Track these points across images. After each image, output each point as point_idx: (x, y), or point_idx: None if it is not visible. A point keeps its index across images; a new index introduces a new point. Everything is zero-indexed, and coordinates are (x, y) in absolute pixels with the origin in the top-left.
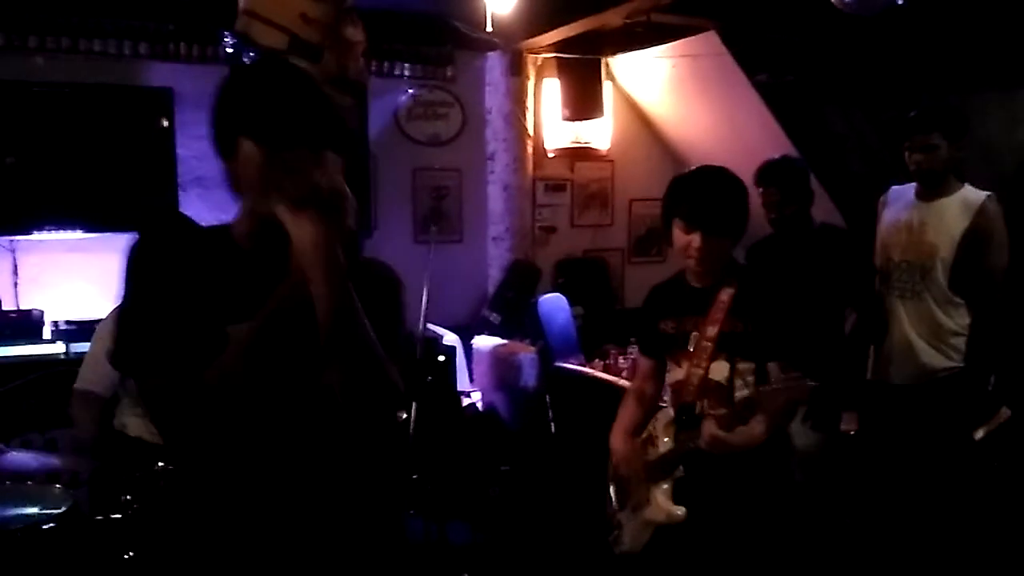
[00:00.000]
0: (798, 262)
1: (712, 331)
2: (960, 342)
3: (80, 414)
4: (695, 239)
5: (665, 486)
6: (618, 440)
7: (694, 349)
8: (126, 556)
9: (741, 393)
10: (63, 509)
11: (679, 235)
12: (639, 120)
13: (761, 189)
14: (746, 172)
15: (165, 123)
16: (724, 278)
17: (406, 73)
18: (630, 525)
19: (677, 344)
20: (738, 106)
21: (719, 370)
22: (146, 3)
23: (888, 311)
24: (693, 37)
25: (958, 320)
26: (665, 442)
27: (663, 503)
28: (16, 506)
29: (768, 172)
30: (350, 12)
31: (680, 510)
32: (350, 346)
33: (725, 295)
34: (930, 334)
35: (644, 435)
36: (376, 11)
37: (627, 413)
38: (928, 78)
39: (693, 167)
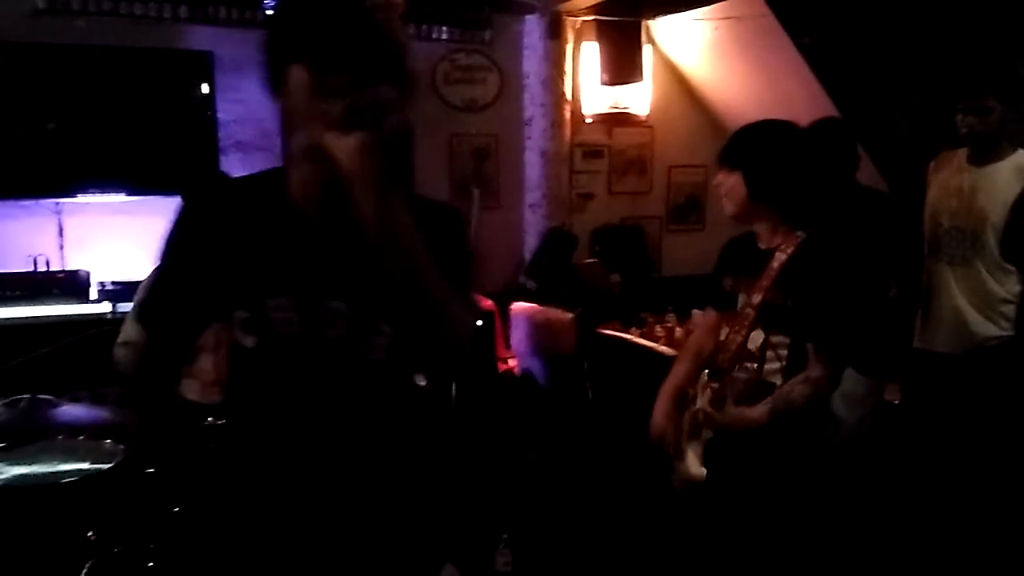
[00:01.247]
0: (841, 225)
1: (756, 298)
2: (1010, 310)
3: (123, 361)
4: (723, 179)
5: (697, 445)
6: (661, 404)
7: (738, 313)
8: (175, 509)
9: (771, 365)
10: (113, 463)
11: (720, 176)
12: (679, 84)
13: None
14: None
15: (205, 87)
16: (783, 243)
17: (443, 36)
18: (677, 471)
19: (729, 304)
20: (781, 69)
21: (755, 339)
22: None
23: (936, 278)
24: None
25: (1009, 288)
26: (699, 402)
27: (691, 461)
28: (68, 459)
29: (811, 135)
30: None
31: (702, 471)
32: (408, 279)
33: (776, 262)
34: (980, 302)
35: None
36: None
37: (680, 371)
38: (979, 39)
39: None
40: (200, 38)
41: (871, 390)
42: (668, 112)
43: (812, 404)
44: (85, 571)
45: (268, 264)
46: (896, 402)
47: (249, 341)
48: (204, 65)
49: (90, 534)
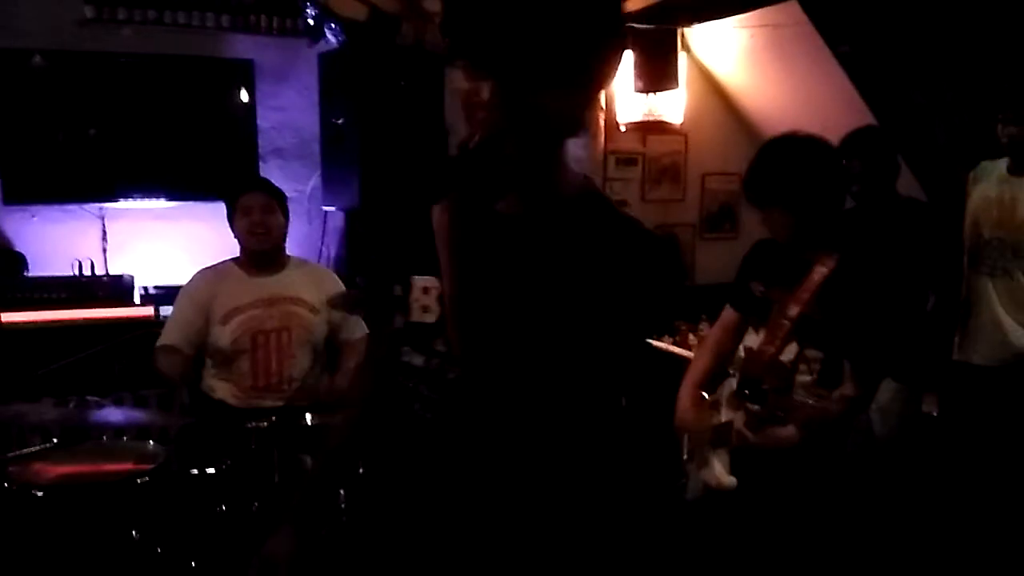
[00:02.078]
0: (882, 238)
1: (794, 311)
2: None
3: (164, 363)
4: (764, 216)
5: (723, 453)
6: (685, 394)
7: (772, 323)
8: (218, 510)
9: (803, 378)
10: (156, 464)
11: (761, 215)
12: (714, 92)
13: (844, 162)
14: None
15: (246, 95)
16: (821, 251)
17: None
18: (694, 478)
19: (760, 310)
20: (819, 77)
21: (789, 351)
22: None
23: (976, 289)
24: (773, 6)
25: None
26: (726, 411)
27: (717, 469)
28: (111, 460)
29: (850, 143)
30: None
31: (731, 480)
32: None
33: (817, 275)
34: (1020, 313)
35: (712, 398)
36: None
37: (700, 365)
38: (1020, 48)
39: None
40: (241, 47)
41: (905, 400)
42: (703, 120)
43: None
44: (129, 571)
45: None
46: (934, 414)
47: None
48: (245, 73)
49: (134, 533)
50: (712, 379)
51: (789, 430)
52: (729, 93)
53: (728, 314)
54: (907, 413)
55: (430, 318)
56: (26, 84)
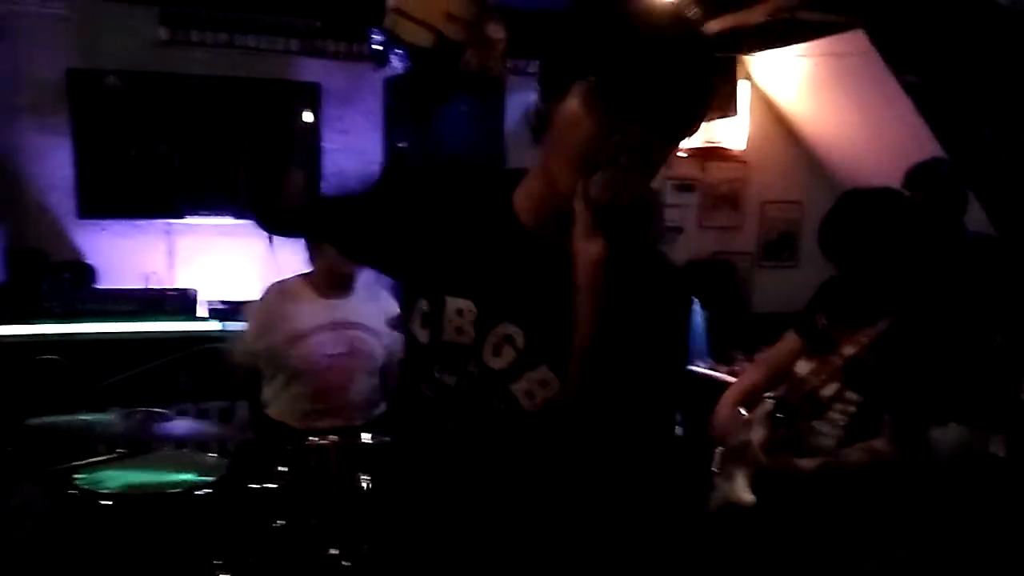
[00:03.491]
0: (948, 280)
1: (848, 351)
2: None
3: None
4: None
5: (747, 470)
6: (725, 404)
7: (825, 358)
8: (275, 524)
9: (835, 417)
10: (216, 476)
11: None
12: (776, 120)
13: (909, 194)
14: (893, 176)
15: (311, 116)
16: (890, 303)
17: (536, 71)
18: (719, 491)
19: (818, 341)
20: (884, 107)
21: (832, 388)
22: (298, 1)
23: None
24: (838, 35)
25: None
26: (757, 430)
27: (739, 485)
28: (173, 471)
29: (916, 175)
30: (493, 10)
31: (748, 497)
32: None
33: (881, 323)
34: None
35: (749, 415)
36: (514, 9)
37: (748, 379)
38: None
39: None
40: (309, 70)
41: (966, 439)
42: (763, 147)
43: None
44: None
45: (463, 260)
46: (1001, 455)
47: (423, 336)
48: (312, 96)
49: (193, 544)
50: (756, 397)
51: (808, 462)
52: (791, 121)
53: (790, 337)
54: (966, 450)
55: (464, 339)
56: (102, 103)
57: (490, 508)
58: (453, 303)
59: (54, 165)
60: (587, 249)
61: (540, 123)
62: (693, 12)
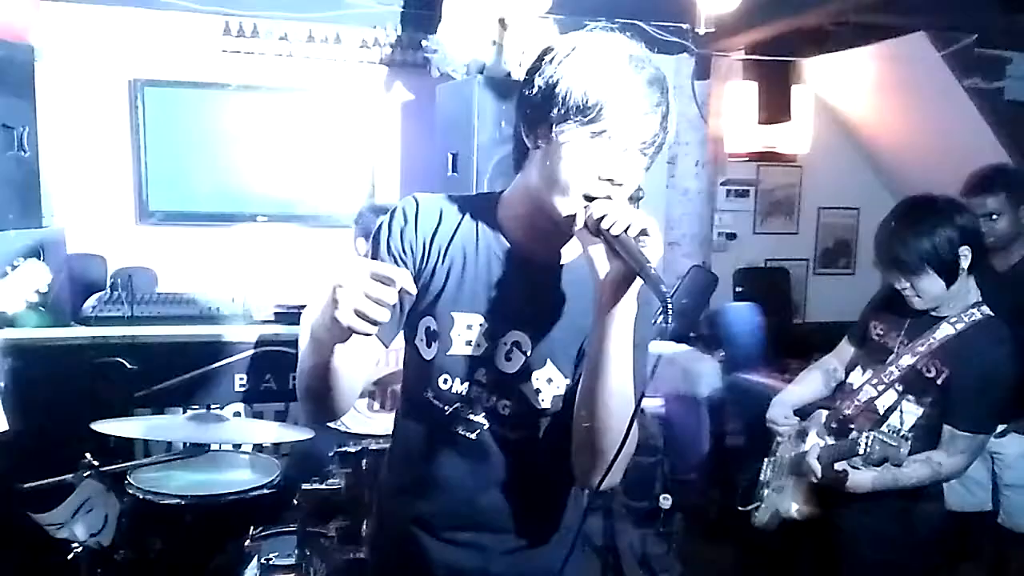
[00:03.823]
0: (1013, 283)
1: (906, 361)
2: None
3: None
4: (913, 281)
5: (800, 483)
6: (778, 406)
7: (880, 368)
8: (329, 525)
9: (893, 429)
10: (272, 477)
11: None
12: (834, 125)
13: (971, 200)
14: (954, 183)
15: (375, 125)
16: (953, 315)
17: None
18: (768, 503)
19: (873, 350)
20: (947, 112)
21: (888, 398)
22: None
23: None
24: (899, 38)
25: None
26: (811, 443)
27: (793, 497)
28: (231, 471)
29: (979, 181)
30: (545, 19)
31: (804, 510)
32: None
33: (941, 333)
34: None
35: (799, 427)
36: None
37: (803, 384)
38: None
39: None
40: (374, 79)
41: None
42: (821, 152)
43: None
44: None
45: (466, 279)
46: None
47: (428, 352)
48: (374, 105)
49: (248, 542)
50: (809, 403)
51: (862, 476)
52: (851, 126)
53: (845, 346)
54: None
55: (474, 350)
56: (172, 109)
57: (520, 496)
58: (463, 319)
59: (116, 171)
60: (604, 270)
61: (521, 156)
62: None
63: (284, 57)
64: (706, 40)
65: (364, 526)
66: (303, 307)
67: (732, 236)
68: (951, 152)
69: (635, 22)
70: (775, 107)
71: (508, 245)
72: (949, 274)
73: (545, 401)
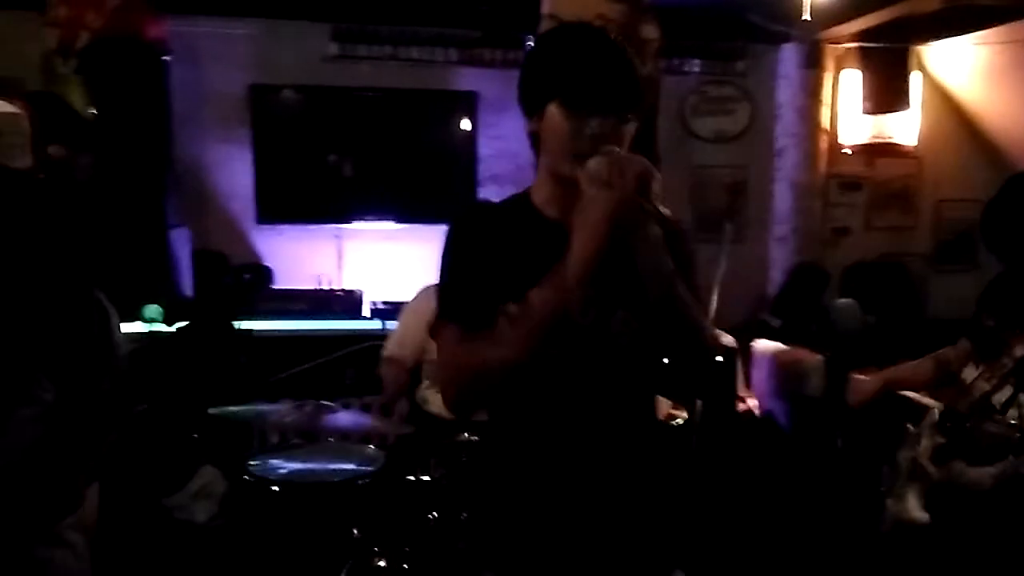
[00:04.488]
0: None
1: (1019, 352)
2: None
3: (387, 375)
4: None
5: (919, 487)
6: (877, 378)
7: (993, 361)
8: (430, 516)
9: (1012, 423)
10: (375, 467)
11: None
12: (952, 113)
13: None
14: None
15: (469, 124)
16: None
17: (695, 69)
18: (891, 510)
19: (986, 344)
20: None
21: (1004, 393)
22: (457, 12)
23: None
24: (1020, 21)
25: None
26: (924, 444)
27: (911, 504)
28: (337, 461)
29: None
30: (647, 11)
31: (922, 516)
32: (662, 288)
33: None
34: None
35: (915, 429)
36: (668, 7)
37: (915, 365)
38: None
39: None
40: (466, 79)
41: None
42: (938, 142)
43: None
44: (347, 568)
45: (521, 261)
46: None
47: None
48: (469, 104)
49: (355, 531)
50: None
51: (981, 473)
52: (969, 114)
53: (962, 342)
54: None
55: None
56: (278, 115)
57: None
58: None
59: (236, 174)
60: (597, 204)
61: (534, 140)
62: (613, 31)
63: (387, 60)
64: (814, 28)
65: (461, 517)
66: (405, 303)
67: (844, 231)
68: None
69: (740, 12)
70: (889, 96)
71: (549, 223)
72: None
73: (626, 338)
